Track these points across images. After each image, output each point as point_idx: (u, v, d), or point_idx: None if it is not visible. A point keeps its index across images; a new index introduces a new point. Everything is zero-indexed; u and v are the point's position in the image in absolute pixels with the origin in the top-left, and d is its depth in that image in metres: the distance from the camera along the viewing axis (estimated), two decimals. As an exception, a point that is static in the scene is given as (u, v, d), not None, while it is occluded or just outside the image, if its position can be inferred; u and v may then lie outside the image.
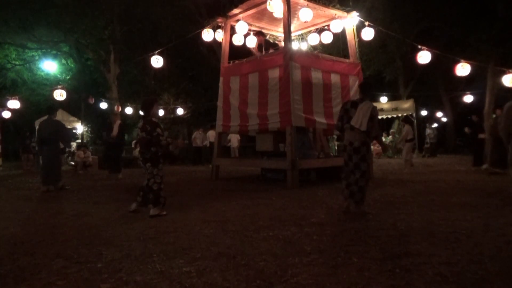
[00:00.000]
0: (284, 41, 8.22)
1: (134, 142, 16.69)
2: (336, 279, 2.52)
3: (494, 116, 10.00)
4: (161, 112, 18.47)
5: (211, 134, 15.07)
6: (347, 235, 3.62)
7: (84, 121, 18.91)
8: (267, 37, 9.61)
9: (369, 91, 4.78)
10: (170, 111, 19.21)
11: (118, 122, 10.03)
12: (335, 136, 16.50)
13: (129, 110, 17.87)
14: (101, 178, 10.49)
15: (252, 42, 9.41)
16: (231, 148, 15.83)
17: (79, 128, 18.64)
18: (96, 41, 18.07)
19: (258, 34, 9.02)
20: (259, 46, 8.99)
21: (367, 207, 5.01)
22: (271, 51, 8.69)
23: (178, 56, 19.36)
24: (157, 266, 2.84)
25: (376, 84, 20.31)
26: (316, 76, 8.06)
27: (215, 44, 11.96)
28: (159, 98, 19.92)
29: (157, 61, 9.96)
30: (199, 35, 9.56)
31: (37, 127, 17.48)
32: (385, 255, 2.97)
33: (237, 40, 9.52)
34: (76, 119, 18.28)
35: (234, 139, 15.82)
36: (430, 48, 9.22)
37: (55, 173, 7.92)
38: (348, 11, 9.03)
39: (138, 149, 4.53)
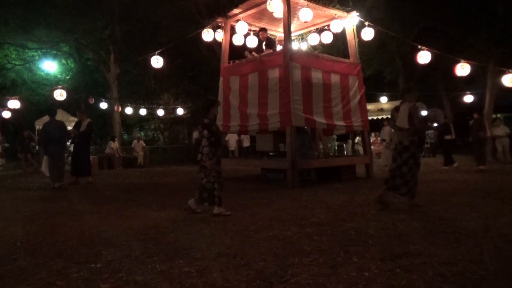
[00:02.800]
0: (284, 41, 8.22)
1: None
2: (336, 279, 2.52)
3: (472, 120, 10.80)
4: (161, 112, 18.50)
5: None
6: (347, 235, 3.62)
7: (84, 121, 18.89)
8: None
9: (408, 93, 5.04)
10: (170, 111, 19.22)
11: (88, 120, 9.15)
12: (335, 136, 16.52)
13: (129, 110, 17.88)
14: (101, 178, 10.49)
15: (252, 42, 9.41)
16: (229, 151, 15.84)
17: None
18: (96, 41, 18.08)
19: (261, 30, 9.01)
20: (264, 42, 8.96)
21: (367, 207, 5.03)
22: (267, 51, 8.67)
23: (178, 56, 19.36)
24: (157, 266, 2.84)
25: (376, 84, 20.33)
26: (316, 76, 8.06)
27: (215, 44, 11.95)
28: (159, 98, 19.98)
29: (157, 61, 9.96)
30: (199, 35, 9.56)
31: (37, 127, 17.56)
32: (385, 255, 2.97)
33: (237, 40, 9.51)
34: (76, 119, 18.27)
35: (232, 141, 15.82)
36: (430, 48, 9.22)
37: (63, 171, 8.06)
38: (348, 11, 9.03)
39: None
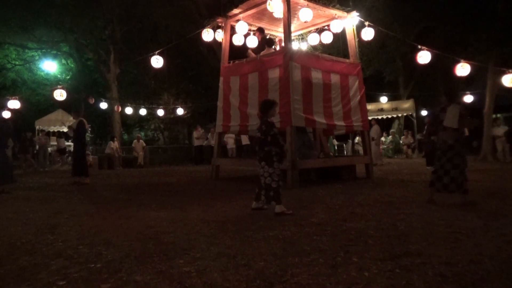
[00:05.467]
0: (284, 41, 8.22)
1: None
2: (336, 279, 2.52)
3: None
4: (161, 112, 18.53)
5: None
6: (347, 235, 3.62)
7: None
8: (267, 37, 9.60)
9: (455, 97, 5.37)
10: (170, 111, 19.22)
11: (79, 119, 8.95)
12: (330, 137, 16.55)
13: (129, 110, 17.89)
14: (101, 178, 10.49)
15: (252, 42, 9.39)
16: (228, 149, 15.84)
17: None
18: (96, 41, 18.10)
19: (258, 30, 9.00)
20: (260, 43, 8.95)
21: (367, 207, 5.03)
22: (267, 50, 8.66)
23: (178, 56, 19.37)
24: (157, 266, 2.84)
25: (376, 84, 20.32)
26: (316, 76, 8.05)
27: (215, 44, 11.95)
28: (159, 98, 19.99)
29: (157, 61, 9.95)
30: (199, 35, 9.55)
31: (37, 127, 17.57)
32: (385, 255, 2.97)
33: (237, 40, 9.51)
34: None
35: (231, 140, 15.84)
36: (430, 48, 9.22)
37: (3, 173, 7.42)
38: (348, 11, 9.03)
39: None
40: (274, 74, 7.86)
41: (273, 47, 8.90)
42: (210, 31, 9.31)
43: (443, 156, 5.12)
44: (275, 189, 4.72)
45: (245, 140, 15.68)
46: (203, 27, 9.50)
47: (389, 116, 19.16)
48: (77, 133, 8.80)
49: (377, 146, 13.31)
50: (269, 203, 4.80)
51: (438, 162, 5.20)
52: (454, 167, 5.02)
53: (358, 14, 9.09)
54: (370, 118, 16.19)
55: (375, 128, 13.36)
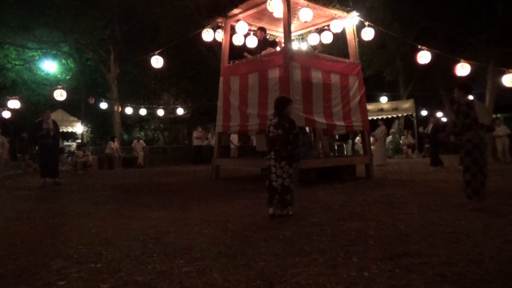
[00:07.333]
0: (284, 41, 8.22)
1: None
2: (336, 279, 2.52)
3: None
4: (161, 112, 18.52)
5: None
6: (347, 235, 3.62)
7: (84, 121, 18.91)
8: (267, 37, 9.60)
9: (471, 90, 5.07)
10: (170, 111, 19.22)
11: (51, 119, 8.93)
12: (336, 136, 16.52)
13: (129, 110, 17.89)
14: (101, 178, 10.49)
15: (252, 42, 9.40)
16: (231, 149, 15.83)
17: (79, 128, 18.62)
18: (96, 41, 18.09)
19: (260, 29, 9.00)
20: (260, 42, 8.95)
21: (367, 207, 5.03)
22: (268, 50, 8.66)
23: (178, 56, 19.35)
24: (157, 266, 2.84)
25: (376, 84, 20.33)
26: (316, 76, 8.05)
27: (215, 44, 11.95)
28: (159, 98, 20.00)
29: (157, 61, 9.95)
30: (199, 35, 9.56)
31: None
32: (385, 255, 2.97)
33: (237, 40, 9.51)
34: (76, 119, 18.29)
35: (235, 140, 15.83)
36: (430, 48, 9.22)
37: None
38: (348, 11, 9.03)
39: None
40: (274, 74, 7.85)
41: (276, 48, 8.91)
42: (210, 31, 9.31)
43: (481, 157, 4.66)
44: (292, 192, 4.49)
45: (255, 142, 15.64)
46: (203, 27, 9.51)
47: (389, 116, 19.16)
48: (56, 134, 8.80)
49: (382, 147, 13.29)
50: (285, 207, 4.46)
51: (475, 165, 4.66)
52: (479, 170, 4.66)
53: (358, 14, 9.09)
54: (373, 118, 16.27)
55: (381, 129, 13.33)
